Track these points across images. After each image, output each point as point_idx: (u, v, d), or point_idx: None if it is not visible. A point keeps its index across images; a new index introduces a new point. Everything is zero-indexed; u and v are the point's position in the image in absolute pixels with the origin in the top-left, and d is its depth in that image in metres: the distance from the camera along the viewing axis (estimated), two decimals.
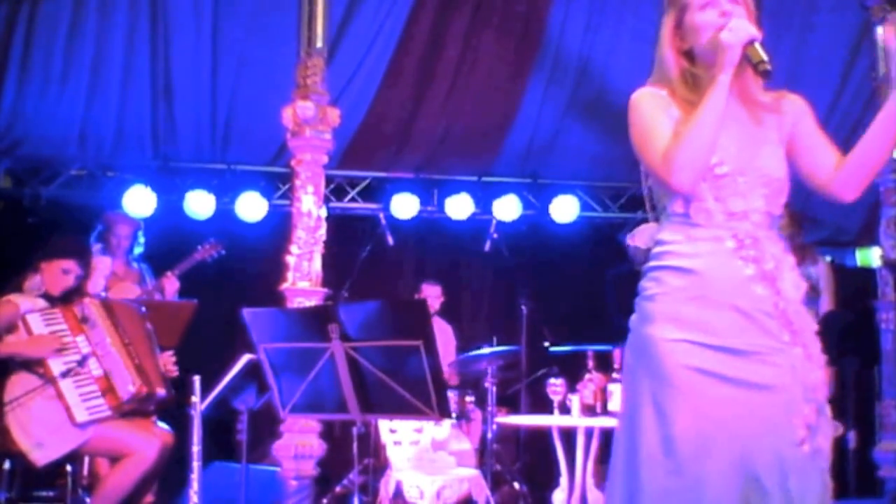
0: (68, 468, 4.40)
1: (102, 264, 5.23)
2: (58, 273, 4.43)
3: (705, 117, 2.13)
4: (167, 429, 4.46)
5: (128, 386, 4.26)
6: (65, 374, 4.16)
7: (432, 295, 6.88)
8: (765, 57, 2.09)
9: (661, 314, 2.19)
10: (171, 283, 5.71)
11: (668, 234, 2.25)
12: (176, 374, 4.59)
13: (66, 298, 4.42)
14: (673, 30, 2.30)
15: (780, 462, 2.09)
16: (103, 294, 5.15)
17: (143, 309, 4.66)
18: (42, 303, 4.37)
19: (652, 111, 2.25)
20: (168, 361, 4.61)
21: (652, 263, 2.27)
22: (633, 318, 2.27)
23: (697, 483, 2.07)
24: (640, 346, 2.22)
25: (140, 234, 6.05)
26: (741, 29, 2.13)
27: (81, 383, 4.21)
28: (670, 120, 2.22)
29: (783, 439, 2.11)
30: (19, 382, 4.20)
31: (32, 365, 4.21)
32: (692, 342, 2.13)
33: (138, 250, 6.03)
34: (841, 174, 2.26)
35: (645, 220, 7.78)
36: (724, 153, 2.19)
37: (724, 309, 2.15)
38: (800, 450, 2.11)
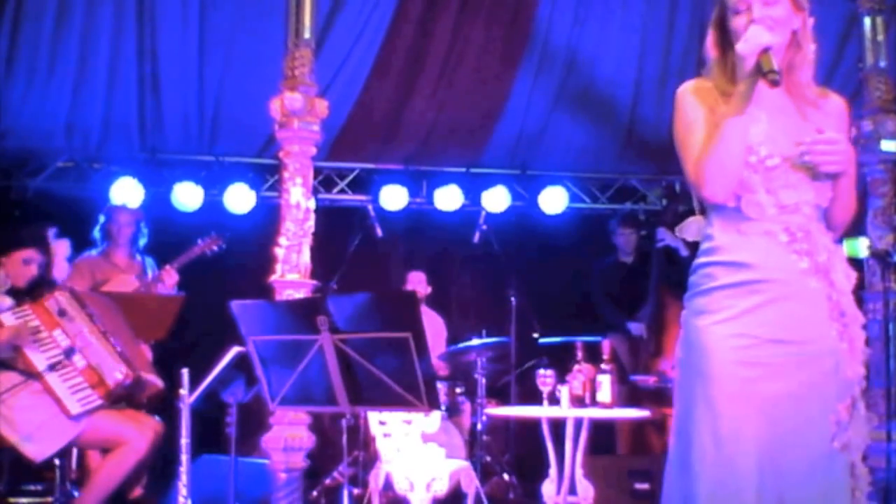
0: (56, 462, 4.39)
1: (62, 248, 5.16)
2: (19, 265, 4.39)
3: (728, 132, 2.16)
4: (157, 419, 4.45)
5: (115, 373, 4.24)
6: (52, 368, 4.13)
7: (417, 282, 6.86)
8: (775, 67, 2.11)
9: (714, 308, 2.21)
10: (171, 276, 5.67)
11: (718, 229, 2.27)
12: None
13: (33, 292, 4.37)
14: (718, 26, 2.33)
15: (811, 458, 2.14)
16: (68, 283, 5.12)
17: (113, 301, 4.64)
18: (9, 300, 4.30)
19: (691, 111, 2.28)
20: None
21: (702, 259, 2.28)
22: (684, 313, 2.29)
23: (743, 477, 2.10)
24: (692, 340, 2.23)
25: (142, 224, 6.03)
26: (754, 39, 2.14)
27: (67, 376, 4.18)
28: (711, 114, 2.24)
29: (817, 436, 2.16)
30: None
31: (11, 362, 4.16)
32: (746, 335, 2.16)
33: (142, 241, 6.01)
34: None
35: (633, 211, 7.84)
36: (773, 145, 2.20)
37: (778, 303, 2.17)
38: (830, 446, 2.16)
